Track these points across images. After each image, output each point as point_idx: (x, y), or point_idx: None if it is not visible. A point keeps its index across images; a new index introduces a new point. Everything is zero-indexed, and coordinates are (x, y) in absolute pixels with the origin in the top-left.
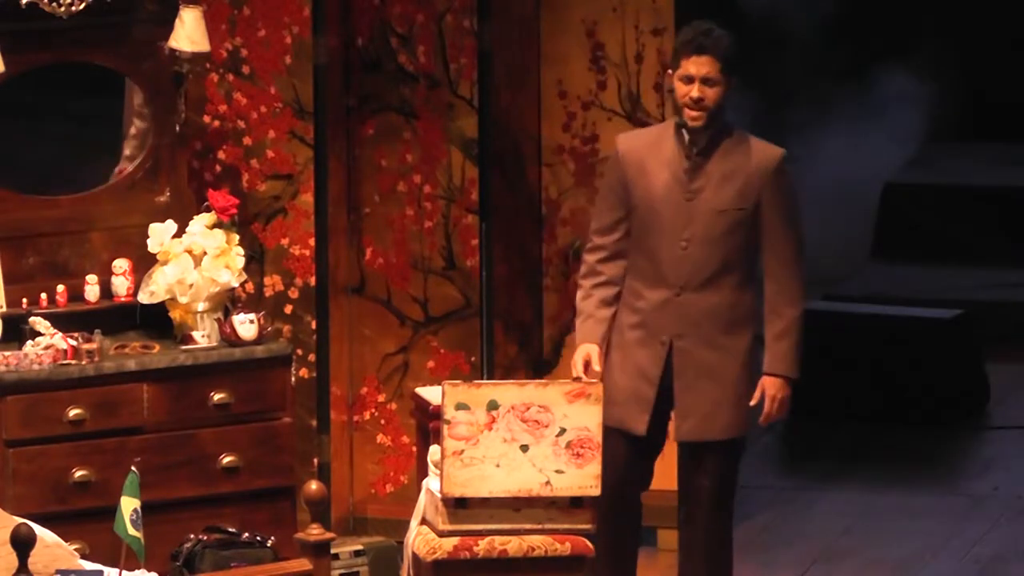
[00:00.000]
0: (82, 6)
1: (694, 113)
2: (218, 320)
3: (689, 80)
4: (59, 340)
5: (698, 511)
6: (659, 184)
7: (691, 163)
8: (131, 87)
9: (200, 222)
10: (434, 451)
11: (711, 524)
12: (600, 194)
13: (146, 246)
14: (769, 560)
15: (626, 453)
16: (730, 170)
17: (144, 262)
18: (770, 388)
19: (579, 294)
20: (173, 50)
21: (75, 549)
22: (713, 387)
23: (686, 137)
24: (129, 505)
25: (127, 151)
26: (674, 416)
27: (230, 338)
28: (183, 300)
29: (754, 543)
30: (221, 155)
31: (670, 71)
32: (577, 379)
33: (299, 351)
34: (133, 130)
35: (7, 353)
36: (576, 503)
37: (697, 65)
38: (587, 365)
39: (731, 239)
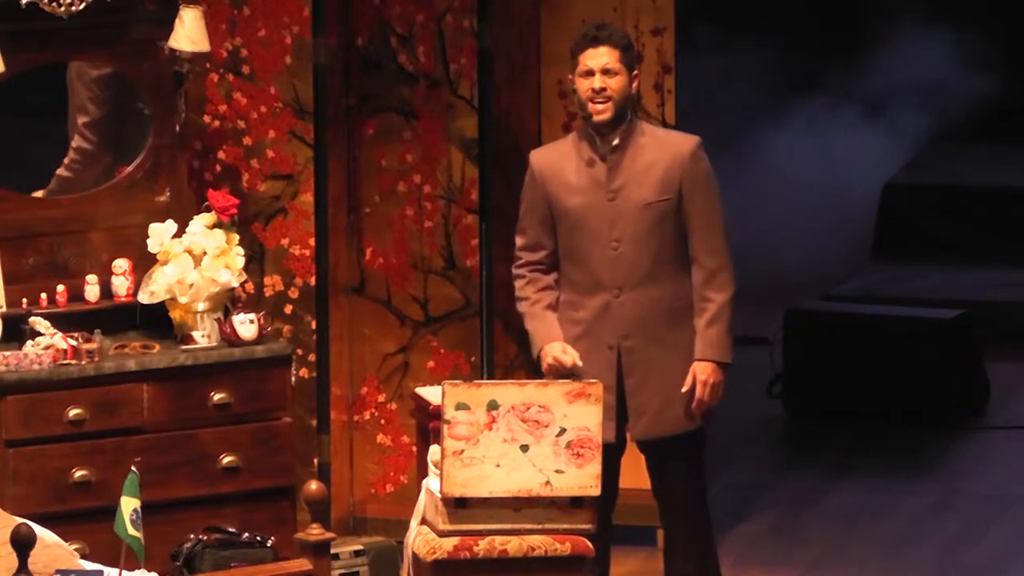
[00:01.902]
0: (82, 6)
1: (599, 106)
2: (218, 320)
3: (589, 74)
4: (59, 340)
5: (675, 510)
6: (580, 190)
7: (608, 163)
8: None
9: (200, 222)
10: (434, 451)
11: (691, 519)
12: (522, 213)
13: (146, 246)
14: (770, 560)
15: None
16: (647, 163)
17: (144, 262)
18: (701, 373)
19: (523, 305)
20: (173, 50)
21: (75, 549)
22: (663, 383)
23: (597, 139)
24: (129, 505)
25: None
26: (629, 416)
27: (230, 338)
28: (183, 300)
29: (755, 543)
30: (221, 155)
31: (570, 76)
32: (577, 379)
33: (299, 351)
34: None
35: (7, 353)
36: (576, 503)
37: (595, 57)
38: (561, 362)
39: (660, 231)
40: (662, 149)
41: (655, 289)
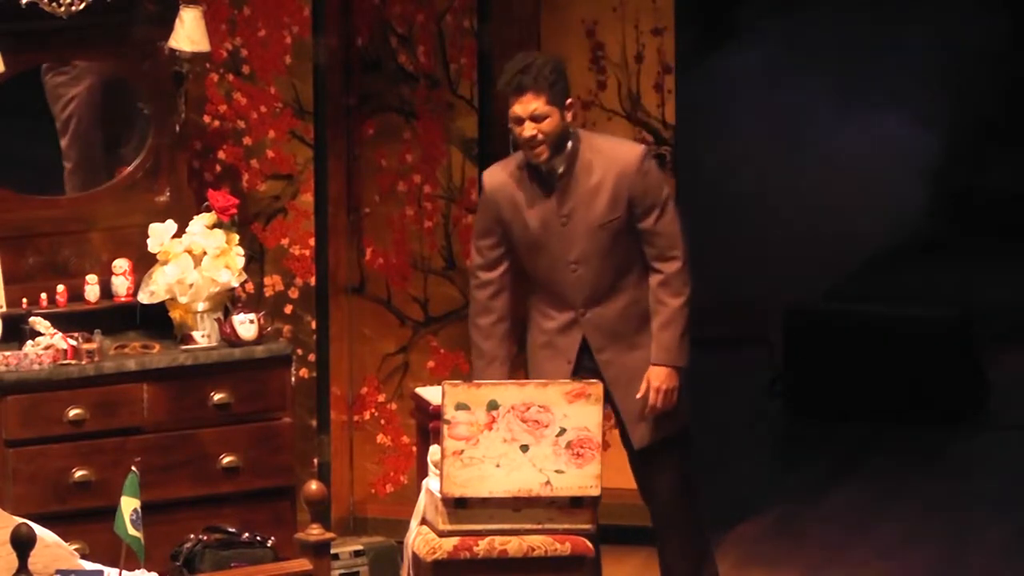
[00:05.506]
0: (82, 6)
1: (535, 150)
2: (218, 320)
3: (519, 121)
4: (59, 340)
5: (668, 504)
6: (533, 216)
7: (556, 189)
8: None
9: (200, 222)
10: (434, 451)
11: (683, 511)
12: (478, 230)
13: (146, 246)
14: (770, 560)
15: None
16: (595, 183)
17: (144, 262)
18: (655, 379)
19: (477, 333)
20: (173, 50)
21: (75, 549)
22: None
23: (543, 169)
24: (129, 505)
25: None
26: (626, 426)
27: (230, 338)
28: (183, 300)
29: (755, 543)
30: (221, 155)
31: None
32: (577, 380)
33: (299, 351)
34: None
35: (7, 353)
36: (576, 503)
37: (522, 104)
38: None
39: (617, 248)
40: (608, 165)
41: (620, 300)
